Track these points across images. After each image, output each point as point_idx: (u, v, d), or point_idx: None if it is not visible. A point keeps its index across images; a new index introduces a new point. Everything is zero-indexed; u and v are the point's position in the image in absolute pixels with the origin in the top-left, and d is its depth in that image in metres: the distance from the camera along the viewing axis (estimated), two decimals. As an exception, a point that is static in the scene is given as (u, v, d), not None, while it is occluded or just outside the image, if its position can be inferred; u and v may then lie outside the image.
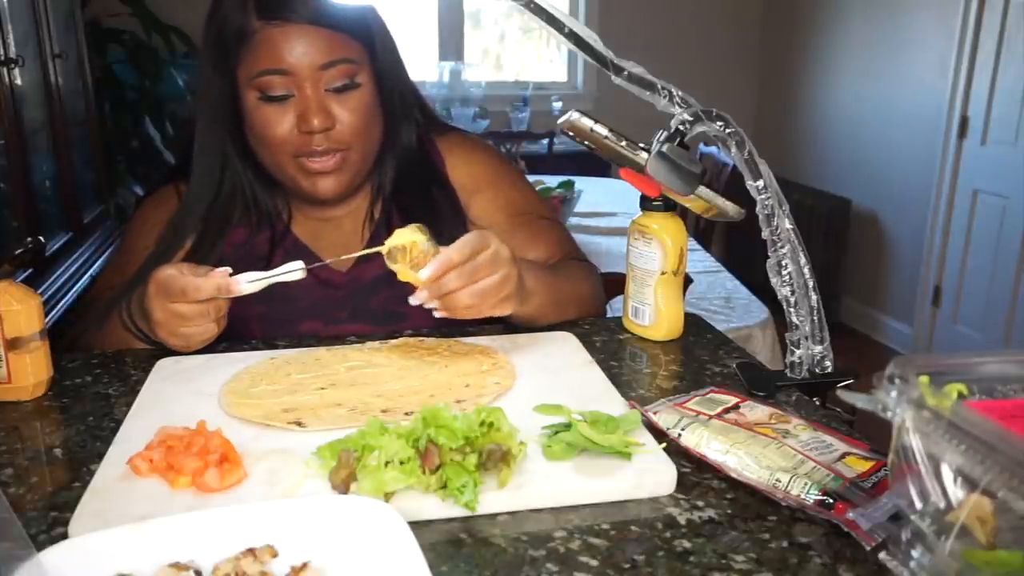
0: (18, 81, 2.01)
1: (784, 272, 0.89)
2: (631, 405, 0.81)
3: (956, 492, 0.50)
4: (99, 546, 0.57)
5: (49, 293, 2.01)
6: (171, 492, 0.67)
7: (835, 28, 4.11)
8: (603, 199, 3.10)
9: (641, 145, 0.90)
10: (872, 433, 0.76)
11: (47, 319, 0.91)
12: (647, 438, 0.75)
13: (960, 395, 0.55)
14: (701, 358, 1.00)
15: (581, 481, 0.69)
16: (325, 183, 1.07)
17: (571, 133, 0.91)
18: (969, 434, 0.48)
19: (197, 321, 0.91)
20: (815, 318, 0.90)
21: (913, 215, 3.65)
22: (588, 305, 1.14)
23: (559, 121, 0.92)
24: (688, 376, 0.95)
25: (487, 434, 0.68)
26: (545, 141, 3.93)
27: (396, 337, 1.03)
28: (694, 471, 0.72)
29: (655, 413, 0.78)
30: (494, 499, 0.66)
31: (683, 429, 0.74)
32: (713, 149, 3.22)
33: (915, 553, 0.54)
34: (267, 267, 0.91)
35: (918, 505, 0.52)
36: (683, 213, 1.02)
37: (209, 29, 1.06)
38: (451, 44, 4.44)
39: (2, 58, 1.92)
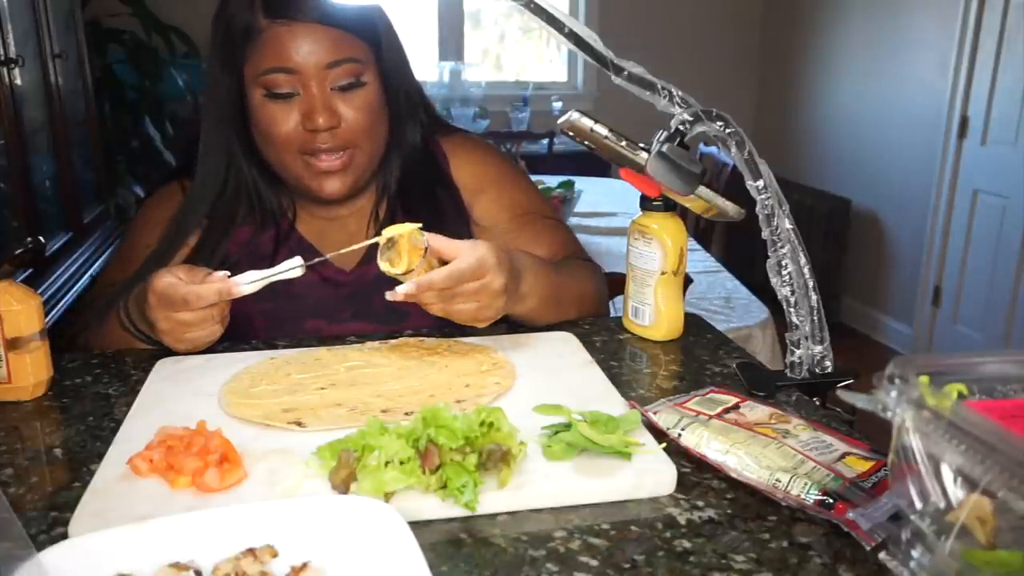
0: (18, 81, 2.01)
1: (784, 272, 0.89)
2: (631, 405, 0.81)
3: (956, 492, 0.50)
4: (99, 546, 0.57)
5: (49, 293, 2.00)
6: (171, 492, 0.67)
7: (835, 28, 4.11)
8: (603, 199, 3.10)
9: (641, 145, 0.90)
10: (872, 433, 0.76)
11: (47, 319, 0.91)
12: (647, 438, 0.75)
13: (960, 395, 0.55)
14: (701, 358, 1.00)
15: (581, 481, 0.69)
16: (331, 183, 1.07)
17: (571, 133, 0.91)
18: (969, 434, 0.48)
19: (202, 326, 0.92)
20: (815, 318, 0.90)
21: (913, 215, 3.65)
22: (590, 305, 1.14)
23: (559, 121, 0.92)
24: (688, 376, 0.95)
25: (487, 434, 0.68)
26: (545, 141, 3.93)
27: (398, 336, 1.03)
28: (694, 471, 0.72)
29: (655, 413, 0.78)
30: (494, 499, 0.66)
31: (683, 429, 0.74)
32: (713, 149, 3.22)
33: (915, 553, 0.54)
34: (271, 266, 0.91)
35: (918, 505, 0.52)
36: (683, 213, 1.02)
37: (216, 27, 1.06)
38: (451, 44, 4.44)
39: (2, 58, 1.92)
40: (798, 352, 0.90)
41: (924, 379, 0.52)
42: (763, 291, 1.51)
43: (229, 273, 0.90)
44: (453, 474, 0.65)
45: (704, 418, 0.76)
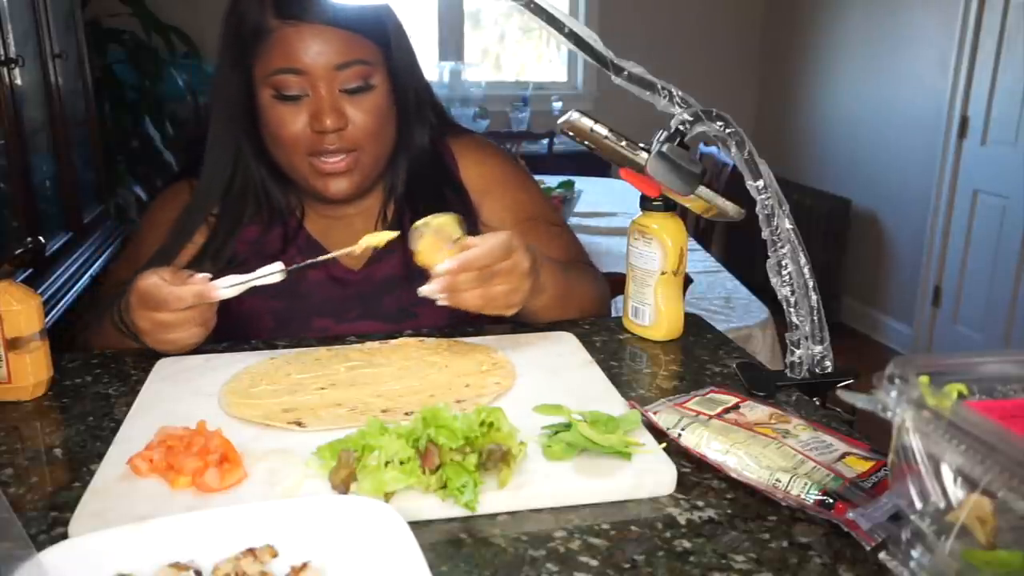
0: (18, 81, 2.01)
1: (784, 272, 0.89)
2: (631, 405, 0.81)
3: (956, 492, 0.50)
4: (99, 546, 0.57)
5: (49, 293, 2.00)
6: (171, 492, 0.67)
7: (835, 28, 4.11)
8: (603, 199, 3.10)
9: (641, 145, 0.90)
10: (872, 433, 0.76)
11: (47, 319, 0.91)
12: (647, 438, 0.75)
13: (960, 395, 0.55)
14: (701, 358, 1.00)
15: (581, 481, 0.69)
16: (337, 184, 1.07)
17: (571, 133, 0.91)
18: (969, 434, 0.48)
19: (181, 328, 0.92)
20: (815, 318, 0.90)
21: (913, 215, 3.65)
22: (591, 308, 1.14)
23: (559, 121, 0.92)
24: (688, 376, 0.95)
25: (487, 434, 0.68)
26: (545, 141, 3.93)
27: (399, 337, 1.03)
28: (694, 471, 0.72)
29: (655, 413, 0.78)
30: (494, 499, 0.66)
31: (683, 429, 0.74)
32: (713, 149, 3.22)
33: (915, 553, 0.54)
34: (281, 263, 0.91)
35: (918, 505, 0.52)
36: (683, 213, 1.02)
37: (227, 25, 1.07)
38: (451, 44, 4.44)
39: (2, 58, 1.92)
40: (798, 352, 0.90)
41: (924, 379, 0.52)
42: (763, 291, 1.51)
43: (211, 276, 0.90)
44: (453, 474, 0.65)
45: (704, 418, 0.76)
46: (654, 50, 3.21)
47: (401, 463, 0.65)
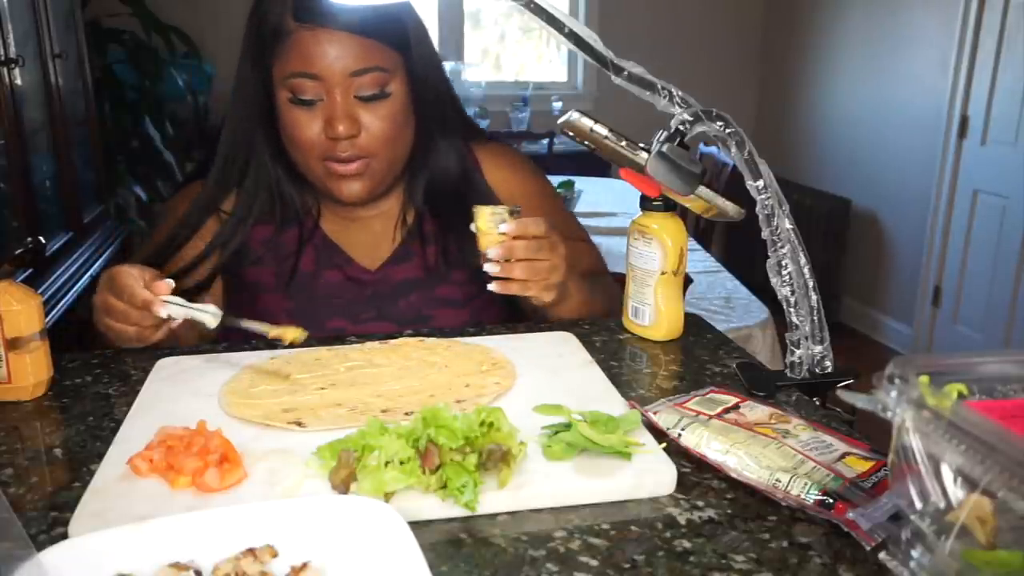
0: (18, 81, 2.01)
1: (784, 272, 0.89)
2: (631, 405, 0.81)
3: (956, 492, 0.50)
4: (99, 546, 0.57)
5: (49, 293, 2.01)
6: (171, 492, 0.67)
7: (835, 28, 4.11)
8: (603, 199, 3.10)
9: (641, 145, 0.90)
10: (872, 433, 0.76)
11: (47, 319, 0.91)
12: (647, 438, 0.75)
13: (960, 395, 0.55)
14: (701, 358, 1.00)
15: (581, 481, 0.69)
16: (350, 187, 1.08)
17: (571, 133, 0.91)
18: (969, 434, 0.48)
19: (126, 319, 0.93)
20: (815, 318, 0.90)
21: (913, 215, 3.65)
22: (607, 316, 1.15)
23: (559, 121, 0.92)
24: (688, 376, 0.95)
25: (487, 434, 0.68)
26: (545, 141, 3.93)
27: (397, 337, 1.03)
28: (694, 471, 0.72)
29: (655, 413, 0.78)
30: (494, 499, 0.66)
31: (683, 429, 0.74)
32: (713, 149, 3.22)
33: (915, 553, 0.54)
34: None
35: (918, 505, 0.52)
36: (683, 213, 1.02)
37: (250, 24, 1.07)
38: (451, 44, 4.44)
39: (2, 58, 1.92)
40: (798, 352, 0.90)
41: (924, 379, 0.52)
42: (763, 291, 1.51)
43: (172, 285, 0.92)
44: (453, 474, 0.65)
45: (704, 418, 0.76)
46: (654, 50, 3.21)
47: (401, 463, 0.65)
